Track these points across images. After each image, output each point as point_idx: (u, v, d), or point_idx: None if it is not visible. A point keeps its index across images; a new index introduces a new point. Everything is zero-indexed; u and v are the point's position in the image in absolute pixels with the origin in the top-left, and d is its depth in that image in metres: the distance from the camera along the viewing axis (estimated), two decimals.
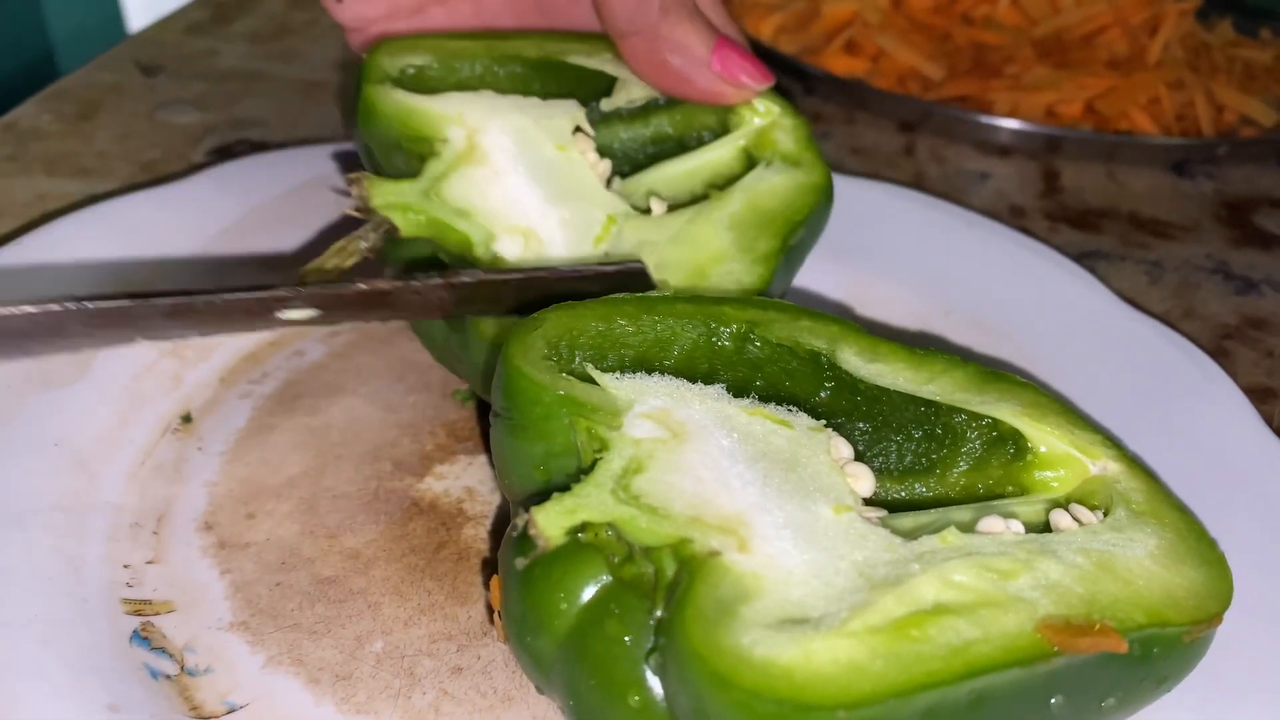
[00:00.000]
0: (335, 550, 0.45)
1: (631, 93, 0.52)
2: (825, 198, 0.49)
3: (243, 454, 0.49)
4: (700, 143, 0.53)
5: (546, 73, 0.53)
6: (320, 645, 0.41)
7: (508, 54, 0.52)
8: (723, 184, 0.50)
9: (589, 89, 0.53)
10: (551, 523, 0.32)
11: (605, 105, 0.53)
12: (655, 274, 0.45)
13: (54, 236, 0.54)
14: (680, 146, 0.53)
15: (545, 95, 0.51)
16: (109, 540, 0.44)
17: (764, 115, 0.51)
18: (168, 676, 0.39)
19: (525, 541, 0.33)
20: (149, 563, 0.43)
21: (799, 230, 0.47)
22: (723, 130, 0.52)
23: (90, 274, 0.53)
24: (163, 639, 0.41)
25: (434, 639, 0.42)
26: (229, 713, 0.38)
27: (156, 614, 0.41)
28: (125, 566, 0.43)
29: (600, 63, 0.52)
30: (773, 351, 0.41)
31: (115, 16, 0.95)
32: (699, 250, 0.46)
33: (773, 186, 0.49)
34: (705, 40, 0.48)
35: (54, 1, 0.92)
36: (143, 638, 0.40)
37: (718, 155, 0.51)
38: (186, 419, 0.50)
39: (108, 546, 0.43)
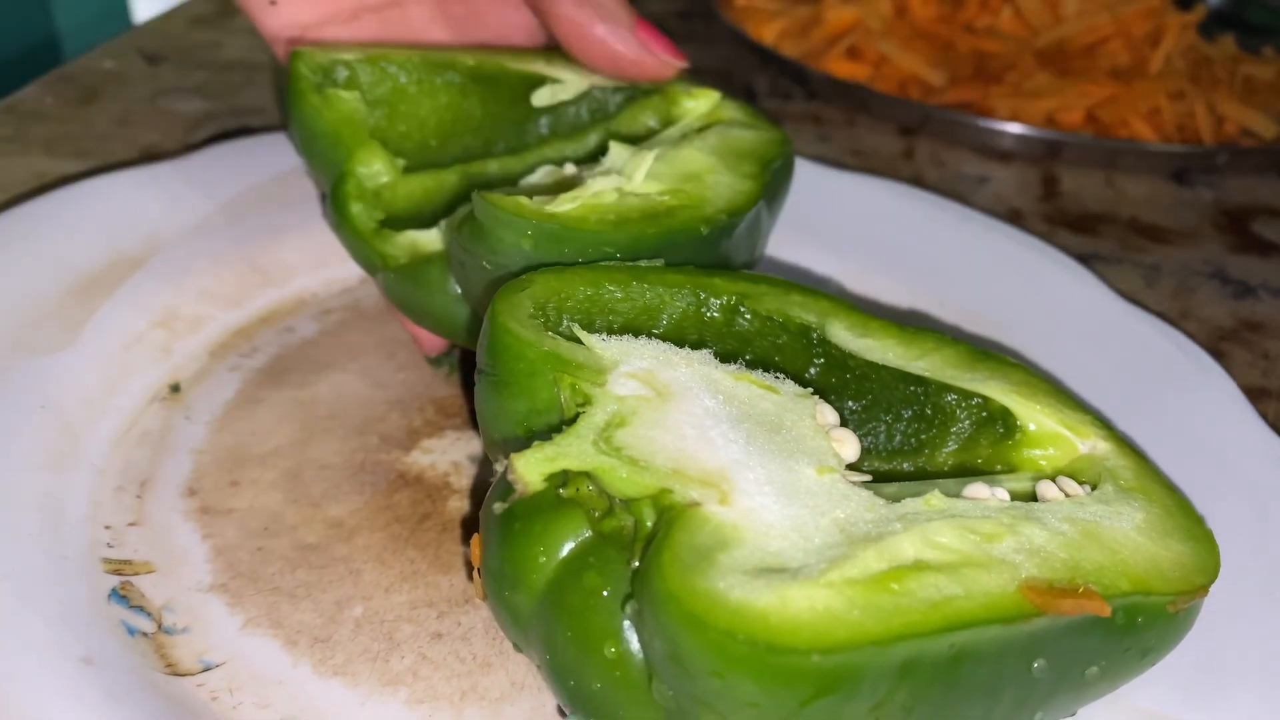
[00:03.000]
0: (318, 518, 0.44)
1: (560, 94, 0.52)
2: (788, 151, 0.49)
3: (229, 424, 0.49)
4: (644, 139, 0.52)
5: (482, 84, 0.53)
6: (300, 609, 0.41)
7: (442, 63, 0.52)
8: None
9: (523, 93, 0.53)
10: (531, 469, 0.32)
11: (536, 100, 0.53)
12: (643, 180, 0.44)
13: (46, 209, 0.54)
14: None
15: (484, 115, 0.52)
16: (91, 502, 0.43)
17: (705, 99, 0.51)
18: (144, 634, 0.39)
19: (505, 488, 0.33)
20: (130, 525, 0.43)
21: (775, 163, 0.47)
22: (667, 124, 0.52)
23: (80, 247, 0.53)
24: (141, 598, 0.40)
25: (414, 605, 0.41)
26: (204, 671, 0.38)
27: (136, 574, 0.41)
28: (107, 528, 0.43)
29: (531, 66, 0.52)
30: (762, 325, 0.41)
31: (121, 7, 0.95)
32: (688, 164, 0.46)
33: (739, 134, 0.49)
34: (630, 12, 0.50)
35: None
36: (121, 595, 0.40)
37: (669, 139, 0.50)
38: (175, 389, 0.50)
39: (89, 507, 0.43)
